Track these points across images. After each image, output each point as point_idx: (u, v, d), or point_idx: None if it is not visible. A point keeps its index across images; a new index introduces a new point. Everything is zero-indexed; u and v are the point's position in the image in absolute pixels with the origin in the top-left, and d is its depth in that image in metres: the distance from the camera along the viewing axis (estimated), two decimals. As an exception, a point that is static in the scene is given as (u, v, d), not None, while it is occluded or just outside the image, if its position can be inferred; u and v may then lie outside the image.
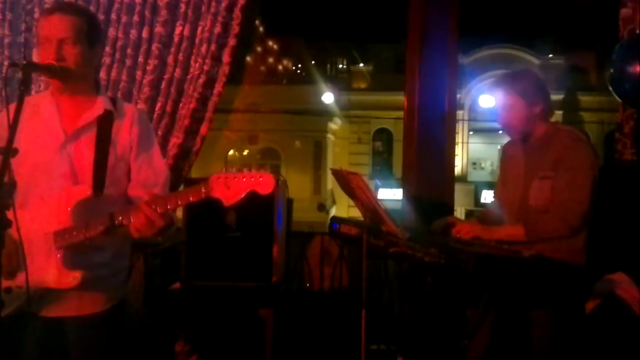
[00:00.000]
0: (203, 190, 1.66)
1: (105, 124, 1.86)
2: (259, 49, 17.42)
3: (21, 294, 1.72)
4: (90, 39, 1.85)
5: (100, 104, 1.88)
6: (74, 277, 1.75)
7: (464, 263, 1.79)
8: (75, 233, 1.75)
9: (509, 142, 2.53)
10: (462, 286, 2.21)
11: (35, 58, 1.87)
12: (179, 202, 1.73)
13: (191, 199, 1.70)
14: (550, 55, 18.53)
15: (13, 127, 1.53)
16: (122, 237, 1.90)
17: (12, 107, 1.56)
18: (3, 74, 3.08)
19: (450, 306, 2.62)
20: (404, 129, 3.41)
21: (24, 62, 1.72)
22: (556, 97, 15.47)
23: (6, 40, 3.16)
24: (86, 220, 1.76)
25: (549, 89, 2.42)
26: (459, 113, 17.92)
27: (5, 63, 3.14)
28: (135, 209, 1.72)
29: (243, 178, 1.63)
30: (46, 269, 1.73)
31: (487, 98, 15.79)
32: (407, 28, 3.33)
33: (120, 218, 1.73)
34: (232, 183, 1.63)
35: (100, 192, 1.80)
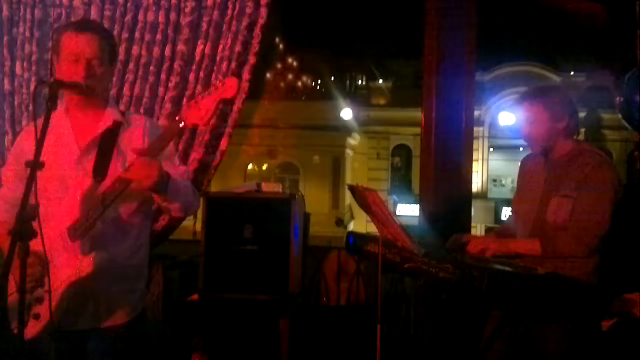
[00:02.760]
0: (180, 122, 1.77)
1: (112, 129, 1.93)
2: (278, 65, 17.61)
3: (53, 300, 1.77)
4: (111, 58, 1.94)
5: (109, 116, 1.95)
6: (88, 260, 1.79)
7: (478, 279, 1.79)
8: (84, 220, 1.80)
9: (528, 155, 2.52)
10: (477, 303, 2.21)
11: (58, 72, 1.95)
12: (163, 143, 1.80)
13: (172, 133, 1.83)
14: (572, 73, 18.39)
15: (40, 142, 1.60)
16: (138, 232, 1.95)
17: (40, 122, 1.63)
18: (31, 91, 3.20)
19: (465, 323, 2.61)
20: (421, 144, 3.42)
21: (52, 80, 1.79)
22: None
23: (34, 57, 3.26)
24: (91, 205, 1.81)
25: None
26: (479, 130, 17.85)
27: (33, 79, 3.25)
28: (128, 167, 1.77)
29: (208, 93, 1.73)
30: (66, 265, 1.78)
31: (507, 115, 15.73)
32: (424, 43, 3.36)
33: (116, 184, 1.78)
34: (201, 104, 1.73)
35: (101, 178, 1.83)
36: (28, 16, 3.26)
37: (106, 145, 1.89)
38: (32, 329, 1.79)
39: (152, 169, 1.73)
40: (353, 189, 2.54)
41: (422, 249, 2.17)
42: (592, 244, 2.16)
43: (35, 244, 1.57)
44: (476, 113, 3.51)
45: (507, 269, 1.96)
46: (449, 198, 3.23)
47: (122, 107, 2.97)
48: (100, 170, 1.85)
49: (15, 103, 3.27)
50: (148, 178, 1.73)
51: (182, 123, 1.76)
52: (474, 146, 3.55)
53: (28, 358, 1.66)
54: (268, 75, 16.29)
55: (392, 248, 2.30)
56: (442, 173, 3.27)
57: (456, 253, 2.34)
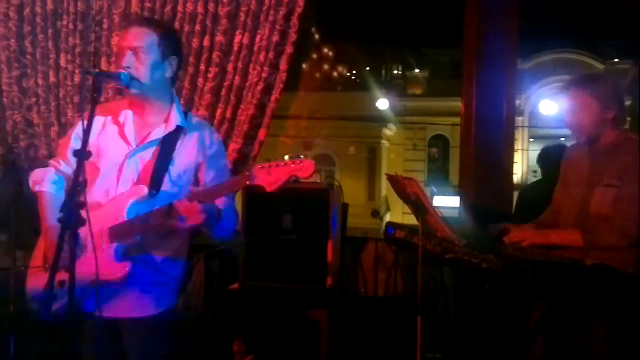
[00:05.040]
0: (247, 178, 1.78)
1: (172, 136, 1.96)
2: (314, 55, 17.58)
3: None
4: (163, 51, 1.92)
5: (172, 120, 1.97)
6: (122, 267, 1.84)
7: (522, 270, 1.76)
8: (128, 228, 1.85)
9: (573, 145, 2.45)
10: (521, 294, 2.16)
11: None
12: (225, 192, 1.84)
13: (236, 188, 1.84)
14: (616, 60, 17.77)
15: (86, 132, 1.63)
16: (177, 239, 1.98)
17: (87, 113, 1.66)
18: (76, 81, 3.27)
19: (508, 314, 2.57)
20: (460, 135, 3.37)
21: (96, 71, 1.82)
22: (622, 103, 14.77)
23: (77, 50, 3.33)
24: (139, 217, 1.85)
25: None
26: (519, 119, 17.45)
27: (77, 71, 3.33)
28: (181, 202, 1.80)
29: (284, 164, 1.75)
30: (98, 262, 1.79)
31: (548, 104, 15.35)
32: (464, 30, 3.29)
33: (169, 212, 1.82)
34: (274, 170, 1.75)
35: (156, 192, 1.89)
36: (71, 9, 3.33)
37: (165, 154, 1.93)
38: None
39: (200, 214, 1.78)
40: (392, 179, 2.52)
41: (463, 239, 2.13)
42: (635, 234, 2.10)
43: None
44: (516, 102, 3.41)
45: (553, 260, 1.91)
46: (490, 189, 3.17)
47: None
48: (156, 183, 1.90)
49: (60, 95, 3.36)
50: (195, 220, 1.80)
51: (250, 181, 1.77)
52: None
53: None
54: (304, 65, 16.28)
55: (432, 239, 2.28)
56: (482, 163, 3.20)
57: (497, 243, 2.30)
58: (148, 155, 1.94)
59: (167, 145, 1.95)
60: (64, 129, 3.30)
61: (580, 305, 2.00)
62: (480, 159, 3.20)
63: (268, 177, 1.74)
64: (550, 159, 3.64)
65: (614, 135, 2.25)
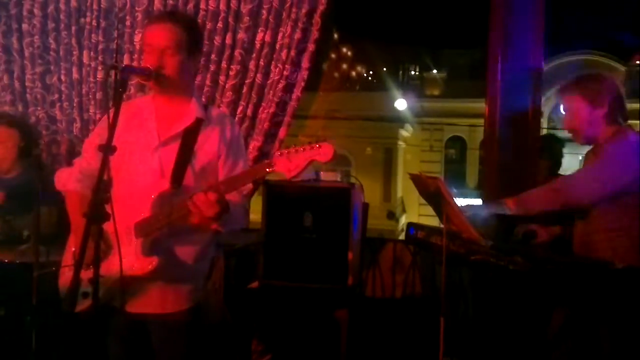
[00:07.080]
0: (267, 166, 1.75)
1: (193, 129, 1.95)
2: (332, 55, 17.55)
3: (104, 283, 1.80)
4: (190, 47, 1.93)
5: (193, 112, 1.97)
6: (149, 262, 1.84)
7: (552, 273, 1.72)
8: (152, 222, 1.85)
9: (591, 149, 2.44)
10: (548, 297, 2.12)
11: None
12: (246, 181, 1.83)
13: (257, 176, 1.82)
14: (638, 62, 17.51)
15: (112, 127, 1.63)
16: (204, 235, 1.97)
17: (112, 109, 1.66)
18: (99, 78, 3.29)
19: (533, 316, 2.52)
20: (484, 136, 3.33)
21: (123, 66, 1.81)
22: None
23: (100, 47, 3.35)
24: (163, 211, 1.85)
25: (634, 95, 2.33)
26: (538, 121, 17.26)
27: (99, 68, 3.34)
28: (197, 194, 1.79)
29: (303, 150, 1.72)
30: (126, 258, 1.79)
31: (568, 106, 15.15)
32: (489, 30, 3.25)
33: (182, 205, 1.80)
34: (293, 156, 1.72)
35: (178, 186, 1.88)
36: (94, 6, 3.35)
37: (187, 147, 1.93)
38: (78, 307, 1.83)
39: (215, 207, 1.76)
40: (415, 178, 2.48)
41: (489, 240, 2.10)
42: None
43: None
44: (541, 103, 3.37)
45: (582, 262, 1.87)
46: (514, 191, 3.11)
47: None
48: (178, 176, 1.89)
49: (83, 91, 3.37)
50: (209, 212, 1.78)
51: (270, 168, 1.75)
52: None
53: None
54: (323, 66, 16.25)
55: (456, 239, 2.24)
56: (506, 165, 3.15)
57: (524, 245, 2.27)
58: (170, 149, 1.94)
59: (189, 138, 1.95)
60: (87, 125, 3.32)
61: (609, 308, 1.95)
62: (504, 161, 3.15)
63: (288, 163, 1.71)
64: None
65: (610, 132, 2.24)
